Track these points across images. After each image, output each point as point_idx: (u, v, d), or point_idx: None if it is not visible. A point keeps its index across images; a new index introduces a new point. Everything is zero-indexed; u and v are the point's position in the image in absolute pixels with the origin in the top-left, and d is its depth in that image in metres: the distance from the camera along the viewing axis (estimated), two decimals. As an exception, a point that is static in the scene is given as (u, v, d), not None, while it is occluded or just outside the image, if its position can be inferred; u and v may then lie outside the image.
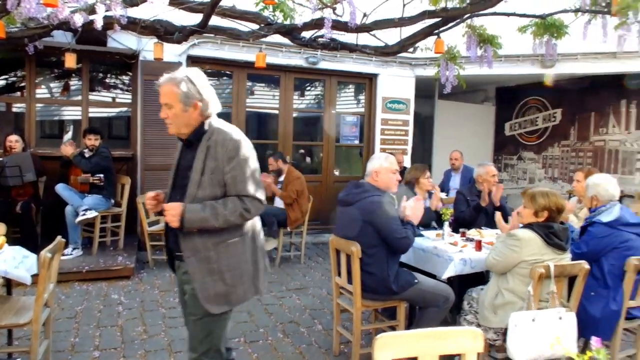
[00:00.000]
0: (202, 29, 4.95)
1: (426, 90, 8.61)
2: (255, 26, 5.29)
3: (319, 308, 4.47)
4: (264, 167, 6.61)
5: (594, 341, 1.16)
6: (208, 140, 2.09)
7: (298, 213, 5.87)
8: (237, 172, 2.05)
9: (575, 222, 3.80)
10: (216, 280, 2.08)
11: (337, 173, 8.03)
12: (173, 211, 2.01)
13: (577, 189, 4.02)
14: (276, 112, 7.47)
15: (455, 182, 6.83)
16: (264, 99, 7.75)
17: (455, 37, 5.75)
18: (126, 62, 6.46)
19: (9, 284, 3.14)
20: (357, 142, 8.01)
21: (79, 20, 3.99)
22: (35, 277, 2.91)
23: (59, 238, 2.92)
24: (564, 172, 8.90)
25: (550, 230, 2.84)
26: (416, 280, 3.15)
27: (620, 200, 7.84)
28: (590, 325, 3.10)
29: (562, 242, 2.85)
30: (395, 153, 6.97)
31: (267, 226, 5.74)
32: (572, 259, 2.97)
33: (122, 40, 6.13)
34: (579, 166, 8.65)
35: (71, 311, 4.16)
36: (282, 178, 6.03)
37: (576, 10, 5.58)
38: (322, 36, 5.23)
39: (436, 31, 5.19)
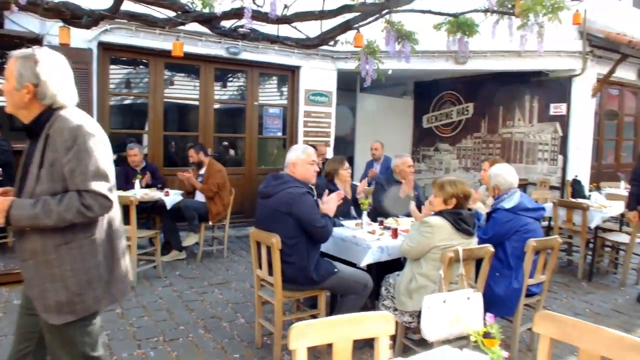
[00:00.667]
0: (113, 14, 4.68)
1: (348, 83, 8.77)
2: (172, 13, 5.09)
3: (241, 301, 4.44)
4: (184, 160, 6.46)
5: (488, 317, 1.25)
6: (48, 129, 1.83)
7: (220, 206, 5.76)
8: (74, 164, 1.78)
9: (482, 209, 4.06)
10: (58, 288, 1.81)
11: (262, 165, 7.99)
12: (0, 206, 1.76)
13: (484, 178, 4.30)
14: (196, 103, 7.26)
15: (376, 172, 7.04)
16: (183, 89, 7.49)
17: (375, 32, 5.90)
18: (28, 46, 5.96)
19: None
20: (280, 134, 8.00)
21: (-33, -2, 3.63)
22: None
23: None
24: (476, 162, 9.48)
25: (458, 216, 3.03)
26: (336, 270, 3.22)
27: (525, 187, 8.55)
28: (496, 303, 3.34)
29: (469, 227, 3.05)
30: (318, 145, 7.06)
31: (187, 220, 5.59)
32: (479, 244, 3.18)
33: (22, 23, 5.65)
34: (489, 156, 9.25)
35: (-33, 318, 3.81)
36: (202, 171, 5.89)
37: (485, 10, 5.93)
38: (242, 26, 5.16)
39: (355, 25, 5.28)
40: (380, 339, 1.77)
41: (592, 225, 5.23)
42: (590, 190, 6.59)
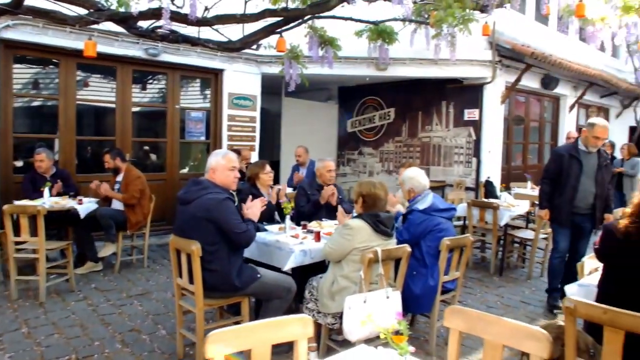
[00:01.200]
0: (15, 9, 4.36)
1: (273, 87, 8.76)
2: (83, 11, 4.82)
3: (163, 312, 4.27)
4: (100, 166, 6.11)
5: (397, 315, 1.30)
6: None
7: (140, 215, 5.51)
8: None
9: (403, 211, 4.23)
10: None
11: (185, 170, 7.77)
12: None
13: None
14: (113, 106, 6.90)
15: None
16: (98, 91, 7.09)
17: (298, 37, 5.96)
18: None
19: None
20: (203, 138, 7.81)
21: None
22: None
23: None
24: (398, 165, 9.83)
25: (377, 218, 3.13)
26: (259, 275, 3.20)
27: (443, 189, 8.99)
28: (414, 301, 3.49)
29: (387, 229, 3.15)
30: (242, 149, 6.99)
31: (104, 230, 5.30)
32: (398, 244, 3.29)
33: None
34: (410, 159, 9.65)
35: None
36: (120, 177, 5.60)
37: (403, 20, 6.20)
38: (161, 27, 5.00)
39: (278, 30, 5.31)
40: (299, 342, 1.78)
41: (502, 223, 5.61)
42: (500, 191, 7.06)
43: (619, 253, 2.44)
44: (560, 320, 2.36)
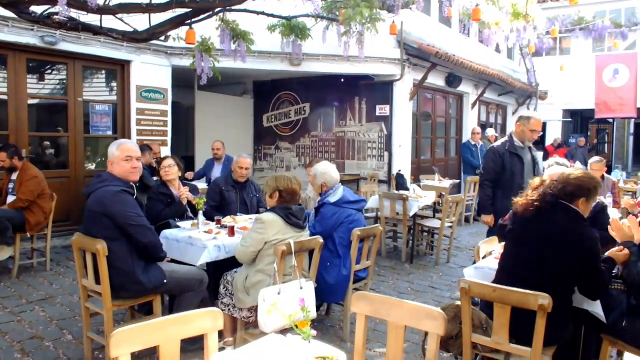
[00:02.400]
0: None
1: (185, 80, 8.51)
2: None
3: (69, 317, 4.04)
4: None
5: (300, 301, 1.36)
6: None
7: (40, 216, 5.12)
8: None
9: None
10: None
11: (92, 167, 7.32)
12: None
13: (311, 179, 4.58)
14: (4, 97, 6.32)
15: (218, 171, 6.99)
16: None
17: (210, 29, 5.83)
18: None
19: None
20: (110, 132, 7.40)
21: None
22: None
23: None
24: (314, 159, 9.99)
25: (289, 211, 3.18)
26: (165, 280, 3.10)
27: (358, 181, 9.27)
28: (329, 291, 3.60)
29: (299, 220, 3.22)
30: (151, 144, 6.74)
31: (-1, 232, 4.87)
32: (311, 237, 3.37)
33: None
34: (326, 154, 9.85)
35: None
36: (14, 176, 5.17)
37: (315, 16, 6.28)
38: (57, 13, 4.66)
39: (187, 22, 5.16)
40: (209, 335, 1.79)
41: (411, 213, 5.93)
42: (410, 183, 7.43)
43: (516, 230, 2.69)
44: (458, 301, 2.58)
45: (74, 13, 4.66)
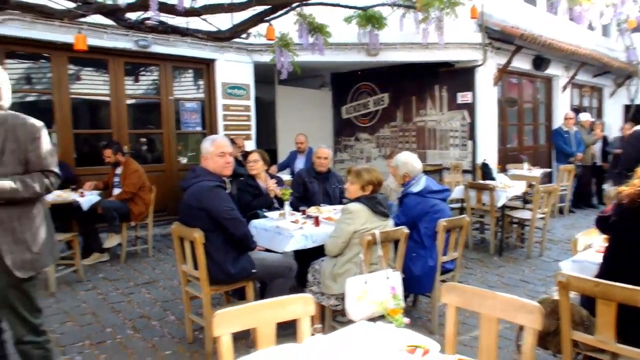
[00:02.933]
0: (2, 4, 4.34)
1: (266, 76, 8.76)
2: (71, 4, 4.80)
3: (170, 299, 4.36)
4: (98, 159, 6.12)
5: (391, 289, 1.36)
6: (3, 125, 2.24)
7: (141, 206, 5.58)
8: (40, 151, 2.30)
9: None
10: (23, 249, 2.26)
11: (184, 161, 7.80)
12: None
13: (392, 170, 4.54)
14: (107, 99, 6.91)
15: (301, 163, 7.14)
16: (92, 84, 7.08)
17: (288, 24, 5.96)
18: None
19: None
20: (199, 128, 7.84)
21: None
22: None
23: None
24: (395, 150, 9.88)
25: (375, 200, 3.20)
26: (254, 270, 3.24)
27: (440, 172, 9.03)
28: (415, 282, 3.56)
29: (385, 209, 3.22)
30: (235, 138, 7.04)
31: (107, 222, 5.35)
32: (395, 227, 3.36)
33: None
34: (407, 145, 9.69)
35: None
36: (119, 170, 5.65)
37: (391, 4, 6.19)
38: (149, 18, 4.99)
39: (267, 18, 5.30)
40: (302, 320, 1.85)
41: (499, 204, 5.67)
42: (497, 172, 7.10)
43: (623, 222, 2.43)
44: (556, 295, 2.43)
45: (164, 17, 4.97)
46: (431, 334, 3.58)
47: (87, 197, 5.20)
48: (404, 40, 7.87)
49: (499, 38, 8.38)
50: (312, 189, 4.66)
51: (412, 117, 9.70)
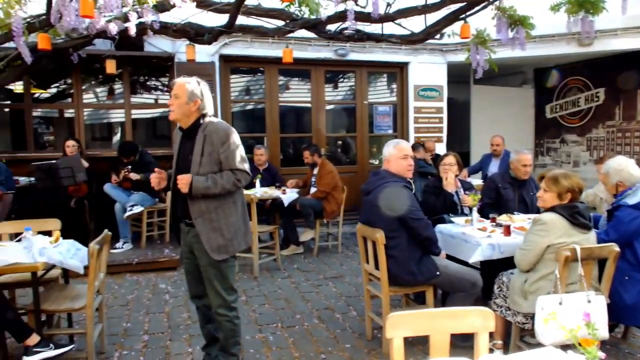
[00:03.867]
0: (229, 29, 5.12)
1: (460, 76, 8.49)
2: (280, 22, 5.42)
3: (354, 295, 4.59)
4: (298, 160, 6.79)
5: (584, 315, 1.21)
6: (204, 131, 2.65)
7: (334, 205, 5.99)
8: (228, 153, 2.63)
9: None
10: (218, 236, 2.64)
11: (376, 163, 8.10)
12: (184, 180, 2.56)
13: (602, 178, 3.91)
14: (309, 105, 7.59)
15: (495, 167, 6.74)
16: (296, 93, 7.89)
17: (484, 20, 5.67)
18: (163, 64, 6.74)
19: (66, 274, 3.43)
20: (390, 131, 8.03)
21: (114, 28, 4.24)
22: (86, 267, 3.19)
23: (105, 231, 3.17)
24: (607, 154, 8.56)
25: (574, 210, 2.83)
26: (438, 273, 3.20)
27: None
28: (627, 311, 3.04)
29: (586, 221, 2.84)
30: (426, 141, 6.99)
31: (304, 217, 5.90)
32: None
33: (157, 44, 6.41)
34: (626, 147, 8.31)
35: (123, 299, 4.48)
36: (315, 171, 6.17)
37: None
38: (347, 28, 5.30)
39: (462, 16, 5.13)
40: (479, 334, 1.76)
41: None
42: None
43: None
44: None
45: (360, 25, 5.23)
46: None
47: (288, 195, 5.80)
48: (625, 24, 6.76)
49: None
50: (506, 195, 4.33)
51: (635, 115, 8.26)
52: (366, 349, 3.44)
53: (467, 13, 5.16)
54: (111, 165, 6.12)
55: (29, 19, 4.48)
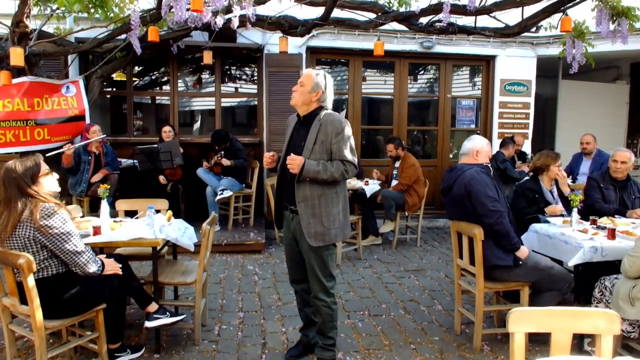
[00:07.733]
0: (324, 22, 5.25)
1: (548, 70, 8.13)
2: (372, 15, 5.46)
3: (437, 289, 4.60)
4: (379, 152, 6.86)
5: None
6: (319, 120, 2.79)
7: (415, 198, 5.99)
8: (341, 144, 2.74)
9: None
10: (317, 222, 2.75)
11: (453, 158, 7.99)
12: (297, 162, 2.66)
13: None
14: (390, 97, 7.60)
15: (586, 167, 6.41)
16: (378, 84, 7.91)
17: (581, 12, 5.41)
18: (252, 55, 7.01)
19: (175, 250, 3.73)
20: (473, 126, 7.86)
21: (220, 21, 4.49)
22: (195, 245, 3.45)
23: (213, 214, 3.42)
24: None
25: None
26: (520, 263, 3.19)
27: None
28: None
29: None
30: (516, 136, 6.79)
31: (385, 209, 5.95)
32: None
33: (249, 36, 6.66)
34: None
35: (216, 278, 4.77)
36: (397, 164, 6.19)
37: None
38: (439, 21, 5.26)
39: (562, 8, 4.93)
40: (603, 336, 1.76)
41: None
42: None
43: None
44: None
45: (452, 18, 5.16)
46: None
47: (371, 186, 5.87)
48: None
49: None
50: (608, 196, 4.15)
51: None
52: (455, 343, 3.46)
53: (568, 5, 4.96)
54: (201, 151, 6.48)
55: (140, 13, 4.83)
